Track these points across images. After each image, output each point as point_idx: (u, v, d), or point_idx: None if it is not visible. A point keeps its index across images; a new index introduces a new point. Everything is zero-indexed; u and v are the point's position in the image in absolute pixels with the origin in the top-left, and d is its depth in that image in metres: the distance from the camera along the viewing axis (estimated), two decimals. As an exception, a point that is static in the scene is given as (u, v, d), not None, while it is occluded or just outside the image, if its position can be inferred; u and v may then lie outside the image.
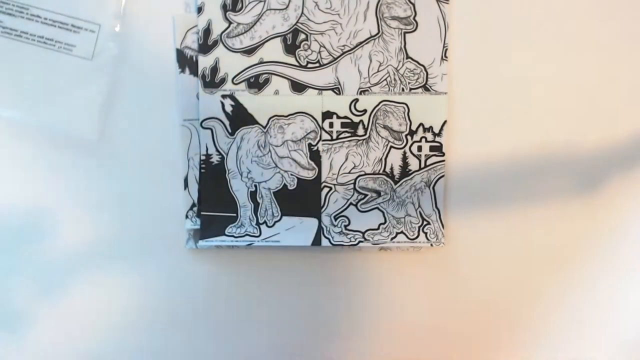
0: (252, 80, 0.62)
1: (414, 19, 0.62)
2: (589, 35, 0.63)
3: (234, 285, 0.66)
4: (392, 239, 0.64)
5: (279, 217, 0.64)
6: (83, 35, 0.61)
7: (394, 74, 0.62)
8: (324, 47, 0.62)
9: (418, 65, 0.62)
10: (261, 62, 0.62)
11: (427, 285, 0.66)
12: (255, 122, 0.63)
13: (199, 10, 0.61)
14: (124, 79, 0.62)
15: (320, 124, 0.63)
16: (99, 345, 0.66)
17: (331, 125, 0.63)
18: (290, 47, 0.62)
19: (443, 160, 0.64)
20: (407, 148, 0.63)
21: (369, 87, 0.62)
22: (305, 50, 0.62)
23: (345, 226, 0.64)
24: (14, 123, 0.62)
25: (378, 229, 0.64)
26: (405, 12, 0.61)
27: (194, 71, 0.62)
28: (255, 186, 0.64)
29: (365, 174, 0.64)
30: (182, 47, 0.62)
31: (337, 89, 0.62)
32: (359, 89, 0.62)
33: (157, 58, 0.62)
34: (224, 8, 0.61)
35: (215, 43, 0.62)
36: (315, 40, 0.62)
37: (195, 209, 0.64)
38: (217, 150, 0.63)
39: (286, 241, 0.64)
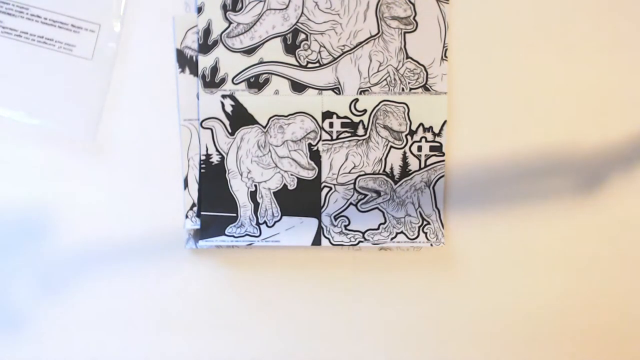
0: (252, 80, 0.62)
1: (414, 19, 0.62)
2: (589, 35, 0.63)
3: (234, 285, 0.66)
4: (392, 239, 0.64)
5: (279, 217, 0.64)
6: (83, 35, 0.61)
7: (394, 74, 0.62)
8: (324, 47, 0.62)
9: (418, 65, 0.62)
10: (261, 62, 0.62)
11: (427, 285, 0.66)
12: (255, 122, 0.63)
13: (199, 10, 0.61)
14: (124, 79, 0.62)
15: (320, 124, 0.63)
16: (99, 345, 0.66)
17: (331, 125, 0.63)
18: (290, 47, 0.62)
19: (443, 160, 0.64)
20: (407, 148, 0.63)
21: (369, 87, 0.62)
22: (305, 50, 0.62)
23: (345, 226, 0.64)
24: (14, 123, 0.62)
25: (378, 229, 0.64)
26: (405, 12, 0.62)
27: (194, 71, 0.62)
28: (255, 186, 0.64)
29: (365, 174, 0.64)
30: (182, 47, 0.62)
31: (337, 89, 0.62)
32: (359, 89, 0.62)
33: (157, 58, 0.62)
34: (224, 8, 0.61)
35: (215, 43, 0.62)
36: (315, 40, 0.62)
37: (195, 209, 0.64)
38: (217, 150, 0.63)
39: (286, 241, 0.64)
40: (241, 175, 0.64)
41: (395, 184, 0.64)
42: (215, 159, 0.63)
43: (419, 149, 0.63)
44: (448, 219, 0.65)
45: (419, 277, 0.66)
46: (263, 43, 0.62)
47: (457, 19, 0.62)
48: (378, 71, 0.62)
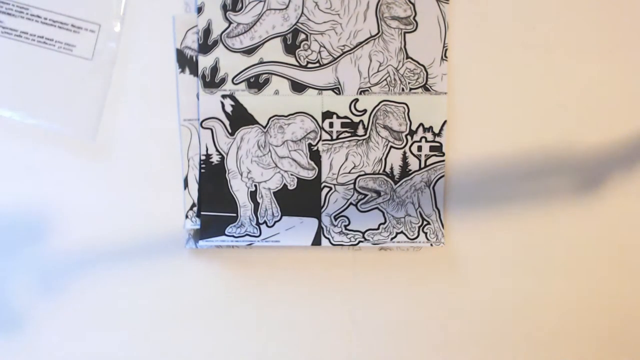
0: (252, 80, 0.62)
1: (414, 19, 0.62)
2: (589, 35, 0.63)
3: (234, 285, 0.66)
4: (392, 239, 0.64)
5: (279, 217, 0.64)
6: (83, 35, 0.61)
7: (394, 74, 0.62)
8: (324, 47, 0.62)
9: (418, 65, 0.62)
10: (261, 62, 0.62)
11: (427, 285, 0.66)
12: (255, 122, 0.63)
13: (199, 10, 0.61)
14: (125, 79, 0.62)
15: (320, 124, 0.63)
16: (99, 346, 0.66)
17: (331, 125, 0.63)
18: (290, 47, 0.62)
19: (443, 160, 0.64)
20: (407, 148, 0.63)
21: (369, 87, 0.62)
22: (305, 50, 0.62)
23: (345, 226, 0.64)
24: (14, 123, 0.62)
25: (378, 229, 0.64)
26: (405, 12, 0.62)
27: (194, 71, 0.62)
28: (255, 186, 0.64)
29: (365, 174, 0.64)
30: (182, 47, 0.62)
31: (337, 89, 0.62)
32: (359, 89, 0.62)
33: (157, 58, 0.62)
34: (224, 8, 0.61)
35: (215, 43, 0.62)
36: (315, 40, 0.62)
37: (195, 209, 0.64)
38: (217, 150, 0.63)
39: (286, 241, 0.64)
40: (241, 175, 0.64)
41: (395, 184, 0.64)
42: (215, 159, 0.63)
43: (419, 149, 0.63)
44: (448, 219, 0.65)
45: (419, 277, 0.66)
46: (263, 43, 0.62)
47: (457, 19, 0.62)
48: (378, 71, 0.62)
